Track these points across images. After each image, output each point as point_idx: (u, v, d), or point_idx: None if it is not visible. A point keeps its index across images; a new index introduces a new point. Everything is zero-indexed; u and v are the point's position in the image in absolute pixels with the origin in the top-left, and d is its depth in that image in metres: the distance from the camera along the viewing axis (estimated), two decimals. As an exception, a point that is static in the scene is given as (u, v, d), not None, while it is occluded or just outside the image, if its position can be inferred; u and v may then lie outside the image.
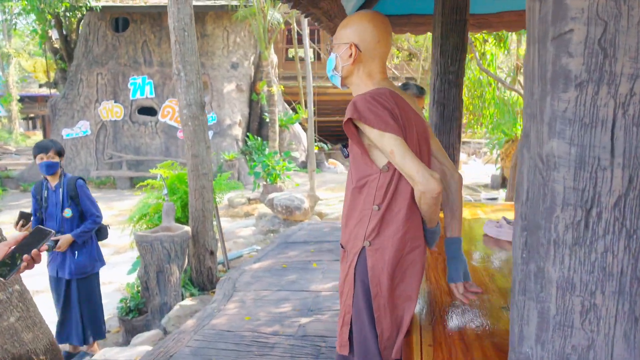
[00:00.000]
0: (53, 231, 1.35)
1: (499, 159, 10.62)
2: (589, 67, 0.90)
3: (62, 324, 3.51)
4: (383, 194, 1.53)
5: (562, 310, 1.03)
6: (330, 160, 16.74)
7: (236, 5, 12.23)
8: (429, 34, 14.91)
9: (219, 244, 5.17)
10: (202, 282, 4.69)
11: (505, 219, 2.77)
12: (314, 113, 14.40)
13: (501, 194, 10.12)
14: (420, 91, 3.29)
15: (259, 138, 14.42)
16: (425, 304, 1.87)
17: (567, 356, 1.04)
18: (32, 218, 3.31)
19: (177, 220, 4.80)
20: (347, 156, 1.65)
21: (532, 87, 1.06)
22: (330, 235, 5.53)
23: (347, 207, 1.66)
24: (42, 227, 1.34)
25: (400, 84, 3.15)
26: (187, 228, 4.32)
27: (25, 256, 1.25)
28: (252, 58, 15.19)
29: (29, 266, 1.27)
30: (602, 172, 0.92)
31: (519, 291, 1.14)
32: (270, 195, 7.84)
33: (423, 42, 15.24)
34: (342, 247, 1.69)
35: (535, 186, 1.07)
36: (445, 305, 1.86)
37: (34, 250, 1.26)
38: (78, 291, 3.46)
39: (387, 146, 1.46)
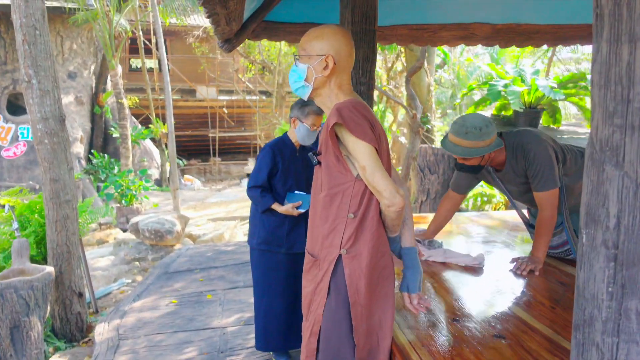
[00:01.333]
0: None
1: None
2: None
3: None
4: (358, 202, 1.58)
5: (674, 351, 0.88)
6: (186, 176, 15.86)
7: (74, 8, 10.86)
8: (278, 48, 14.90)
9: (85, 283, 4.37)
10: (70, 331, 3.88)
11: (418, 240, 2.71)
12: (161, 126, 13.49)
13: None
14: (322, 110, 3.11)
15: (105, 155, 13.03)
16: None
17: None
18: None
19: (32, 260, 3.93)
20: (317, 164, 1.66)
21: (628, 93, 0.91)
22: (217, 260, 5.05)
23: (316, 215, 1.68)
24: None
25: (299, 101, 2.98)
26: (50, 268, 3.53)
27: None
28: (92, 67, 13.71)
29: None
30: None
31: (606, 332, 0.97)
32: (134, 219, 7.00)
33: (276, 56, 15.30)
34: (312, 255, 1.70)
35: (638, 209, 0.91)
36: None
37: None
38: None
39: (361, 157, 1.52)
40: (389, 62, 10.77)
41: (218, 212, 10.21)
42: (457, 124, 2.32)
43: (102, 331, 3.48)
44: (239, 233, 7.81)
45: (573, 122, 8.07)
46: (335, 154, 1.57)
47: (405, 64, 8.70)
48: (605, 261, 0.97)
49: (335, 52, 1.59)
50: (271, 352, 2.94)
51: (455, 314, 1.88)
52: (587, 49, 14.48)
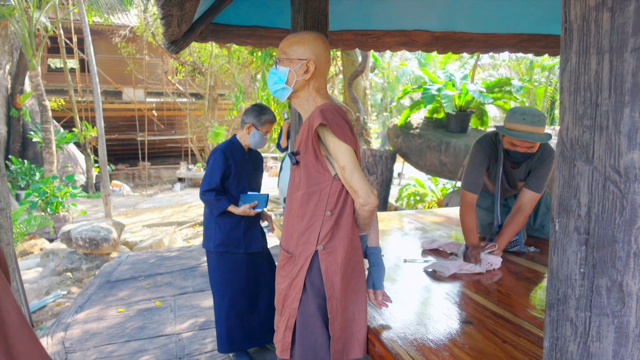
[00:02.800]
0: None
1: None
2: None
3: None
4: (335, 201, 1.66)
5: (641, 321, 1.02)
6: (114, 182, 15.19)
7: (-13, 3, 10.11)
8: (209, 49, 14.66)
9: (20, 296, 4.11)
10: (6, 348, 3.63)
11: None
12: (90, 130, 12.86)
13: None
14: (275, 119, 3.19)
15: (24, 161, 12.21)
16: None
17: (644, 366, 1.04)
18: None
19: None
20: (295, 164, 1.72)
21: (597, 99, 1.04)
22: (161, 267, 4.92)
23: (292, 212, 1.74)
24: None
25: (253, 106, 3.02)
26: (-16, 282, 3.30)
27: None
28: (7, 67, 12.81)
29: None
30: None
31: (580, 308, 1.11)
32: (65, 227, 6.64)
33: (208, 58, 15.04)
34: (287, 252, 1.75)
35: (607, 199, 1.05)
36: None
37: None
38: None
39: (341, 158, 1.61)
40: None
41: (152, 218, 9.89)
42: (527, 114, 2.41)
43: (45, 346, 3.29)
44: (178, 239, 7.63)
45: (497, 124, 8.64)
46: (316, 153, 1.64)
47: (341, 68, 8.89)
48: (577, 245, 1.11)
49: (315, 57, 1.67)
50: (231, 354, 2.94)
51: (426, 305, 1.99)
52: (504, 56, 15.52)
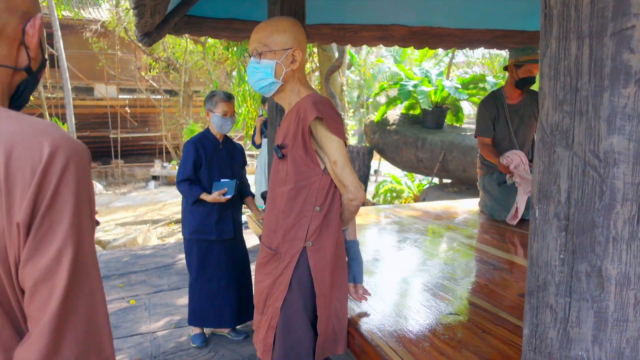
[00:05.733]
0: None
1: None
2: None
3: None
4: (324, 195, 1.61)
5: (619, 306, 1.03)
6: (86, 180, 14.81)
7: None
8: (183, 45, 14.47)
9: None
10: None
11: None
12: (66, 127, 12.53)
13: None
14: (230, 97, 3.25)
15: (-9, 159, 11.83)
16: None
17: (622, 350, 1.05)
18: None
19: None
20: (281, 157, 1.65)
21: (577, 84, 1.04)
22: (135, 265, 4.81)
23: (276, 208, 1.67)
24: None
25: (208, 94, 3.15)
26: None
27: None
28: (-27, 61, 12.38)
29: None
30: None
31: (559, 294, 1.11)
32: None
33: (182, 53, 14.82)
34: (270, 249, 1.68)
35: (586, 184, 1.05)
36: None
37: None
38: None
39: (334, 152, 1.57)
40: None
41: (126, 216, 9.71)
42: (531, 47, 3.33)
43: (14, 347, 3.19)
44: (153, 237, 7.50)
45: (471, 121, 8.76)
46: (306, 147, 1.58)
47: (317, 64, 8.87)
48: (557, 231, 1.11)
49: (299, 44, 1.60)
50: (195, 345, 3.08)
51: (405, 297, 1.99)
52: (478, 54, 15.75)
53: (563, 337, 1.10)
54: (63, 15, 12.02)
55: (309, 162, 1.60)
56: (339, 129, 1.56)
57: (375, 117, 7.48)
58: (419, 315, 1.79)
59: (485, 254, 2.57)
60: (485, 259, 2.47)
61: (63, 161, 0.65)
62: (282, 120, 1.72)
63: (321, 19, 3.87)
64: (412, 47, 4.28)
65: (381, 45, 4.31)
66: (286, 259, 1.63)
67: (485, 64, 14.62)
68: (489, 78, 6.99)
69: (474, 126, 7.83)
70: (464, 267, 2.35)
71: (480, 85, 6.95)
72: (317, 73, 9.62)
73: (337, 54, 6.88)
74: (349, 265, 1.77)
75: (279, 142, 1.67)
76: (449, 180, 7.73)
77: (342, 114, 8.06)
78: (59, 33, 8.84)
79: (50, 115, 13.63)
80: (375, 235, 3.06)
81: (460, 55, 15.01)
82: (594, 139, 1.02)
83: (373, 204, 8.58)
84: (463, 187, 7.01)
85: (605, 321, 1.04)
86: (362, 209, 3.96)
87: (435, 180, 7.70)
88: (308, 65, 10.93)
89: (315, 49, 8.39)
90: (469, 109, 13.36)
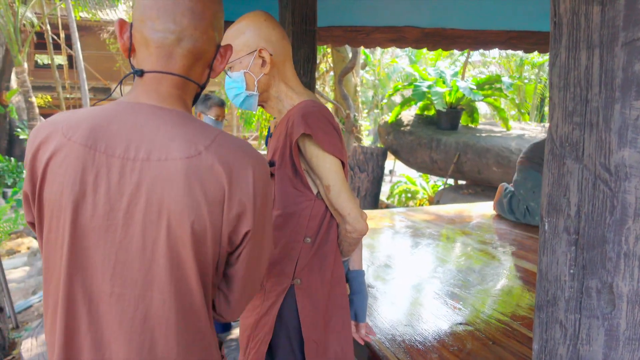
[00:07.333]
0: None
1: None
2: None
3: None
4: (317, 225, 1.35)
5: (631, 324, 1.00)
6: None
7: (-30, -2, 9.94)
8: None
9: (4, 296, 4.04)
10: (-10, 350, 3.57)
11: None
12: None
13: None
14: (223, 103, 3.25)
15: (11, 159, 12.04)
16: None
17: (634, 370, 1.02)
18: None
19: (-57, 274, 3.58)
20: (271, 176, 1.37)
21: (587, 95, 1.01)
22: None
23: None
24: None
25: (202, 96, 3.12)
26: (-34, 283, 3.23)
27: None
28: (-7, 63, 12.61)
29: None
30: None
31: (569, 309, 1.08)
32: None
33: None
34: None
35: (597, 198, 1.02)
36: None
37: None
38: None
39: (327, 174, 1.30)
40: (314, 62, 10.86)
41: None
42: None
43: (29, 347, 3.23)
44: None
45: (487, 122, 8.66)
46: (295, 167, 1.33)
47: (331, 65, 8.85)
48: (567, 246, 1.08)
49: (265, 41, 1.32)
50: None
51: (415, 305, 1.97)
52: (494, 53, 15.57)
53: (573, 354, 1.08)
54: (81, 16, 12.18)
55: (299, 185, 1.34)
56: (334, 145, 1.28)
57: (389, 118, 7.45)
58: (428, 325, 1.76)
59: (499, 260, 2.53)
60: (499, 266, 2.43)
61: (264, 181, 0.85)
62: (274, 131, 1.44)
63: (333, 21, 3.86)
64: (423, 51, 4.24)
65: (394, 47, 4.28)
66: (271, 297, 1.37)
67: (502, 64, 14.46)
68: (505, 78, 6.90)
69: (489, 127, 7.75)
70: (476, 274, 2.31)
71: (496, 85, 6.86)
72: (332, 73, 9.60)
73: (351, 55, 6.86)
74: (351, 299, 1.49)
75: (269, 157, 1.42)
76: (463, 182, 7.66)
77: (356, 114, 8.03)
78: (77, 34, 8.96)
79: (69, 115, 13.81)
80: (387, 240, 3.03)
81: (476, 54, 14.87)
82: (604, 152, 0.99)
83: (387, 205, 8.54)
84: (478, 188, 6.93)
85: (616, 339, 1.01)
86: (375, 212, 3.94)
87: (450, 181, 7.64)
88: (323, 66, 10.92)
89: (329, 50, 8.37)
90: (485, 109, 13.21)
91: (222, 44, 1.51)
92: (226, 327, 3.09)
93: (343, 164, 1.33)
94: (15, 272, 6.58)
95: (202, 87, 0.95)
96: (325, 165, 1.29)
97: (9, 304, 4.23)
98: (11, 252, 8.16)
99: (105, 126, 0.80)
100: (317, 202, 1.35)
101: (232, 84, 1.36)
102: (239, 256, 0.87)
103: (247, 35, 1.31)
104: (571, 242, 1.07)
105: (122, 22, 0.88)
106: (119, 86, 0.91)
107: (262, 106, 1.43)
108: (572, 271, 1.07)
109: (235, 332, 3.21)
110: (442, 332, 1.71)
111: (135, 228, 0.79)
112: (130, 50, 0.89)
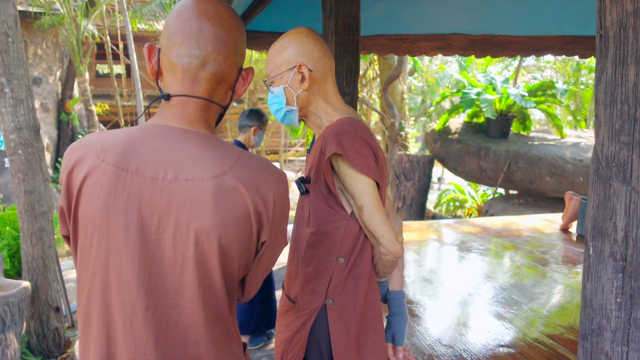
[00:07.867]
0: None
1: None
2: None
3: None
4: (351, 245, 1.33)
5: (683, 359, 0.92)
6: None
7: (39, 13, 10.57)
8: (249, 54, 14.86)
9: (61, 296, 4.24)
10: (47, 347, 3.75)
11: None
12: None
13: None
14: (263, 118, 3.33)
15: (72, 164, 12.68)
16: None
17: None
18: None
19: (6, 274, 3.79)
20: (305, 193, 1.39)
21: (635, 113, 0.95)
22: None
23: (298, 251, 1.41)
24: None
25: (253, 110, 3.21)
26: (25, 283, 3.42)
27: None
28: (58, 73, 13.35)
29: None
30: None
31: (616, 341, 1.01)
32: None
33: (247, 62, 15.22)
34: (288, 298, 1.43)
35: (646, 223, 0.95)
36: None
37: None
38: None
39: (360, 195, 1.28)
40: (361, 69, 10.87)
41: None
42: None
43: (81, 347, 3.37)
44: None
45: (540, 129, 8.34)
46: (328, 185, 1.33)
47: (378, 72, 8.80)
48: (613, 273, 1.01)
49: (306, 57, 1.33)
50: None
51: (460, 325, 1.91)
52: (550, 57, 15.00)
53: (619, 388, 1.01)
54: (138, 28, 12.70)
55: (333, 203, 1.33)
56: (367, 166, 1.26)
57: (436, 125, 7.31)
58: (469, 346, 1.70)
59: (550, 279, 2.42)
60: (549, 285, 2.33)
61: (283, 199, 0.91)
62: (312, 148, 1.43)
63: (377, 29, 3.84)
64: (473, 57, 4.14)
65: (440, 54, 4.20)
66: (304, 314, 1.37)
67: (557, 69, 13.90)
68: (559, 85, 6.63)
69: (542, 135, 7.46)
70: (522, 293, 2.22)
71: (550, 91, 6.60)
72: (378, 80, 9.55)
73: (397, 62, 6.79)
74: (389, 321, 1.46)
75: (306, 173, 1.43)
76: (514, 192, 7.40)
77: (402, 122, 7.94)
78: (133, 45, 9.35)
79: (126, 122, 14.44)
80: (430, 254, 2.97)
81: (530, 59, 14.38)
82: (654, 175, 0.93)
83: (434, 214, 8.37)
84: (530, 198, 6.67)
85: (666, 375, 0.94)
86: (419, 224, 3.87)
87: (501, 190, 7.40)
88: (369, 73, 10.88)
89: (375, 57, 8.32)
90: (539, 116, 12.74)
91: (269, 61, 1.57)
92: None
93: (378, 184, 1.31)
94: (73, 273, 6.89)
95: (225, 109, 1.00)
96: (358, 186, 1.28)
97: (66, 304, 4.43)
98: (69, 254, 8.59)
99: (135, 149, 0.84)
100: (351, 221, 1.33)
101: (274, 99, 1.39)
102: (256, 260, 0.95)
103: (289, 51, 1.34)
104: (618, 269, 1.00)
105: (150, 48, 0.93)
106: (145, 111, 0.93)
107: (304, 121, 1.44)
108: (618, 300, 1.01)
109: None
110: (482, 354, 1.65)
111: (166, 243, 0.83)
112: (158, 74, 0.94)
